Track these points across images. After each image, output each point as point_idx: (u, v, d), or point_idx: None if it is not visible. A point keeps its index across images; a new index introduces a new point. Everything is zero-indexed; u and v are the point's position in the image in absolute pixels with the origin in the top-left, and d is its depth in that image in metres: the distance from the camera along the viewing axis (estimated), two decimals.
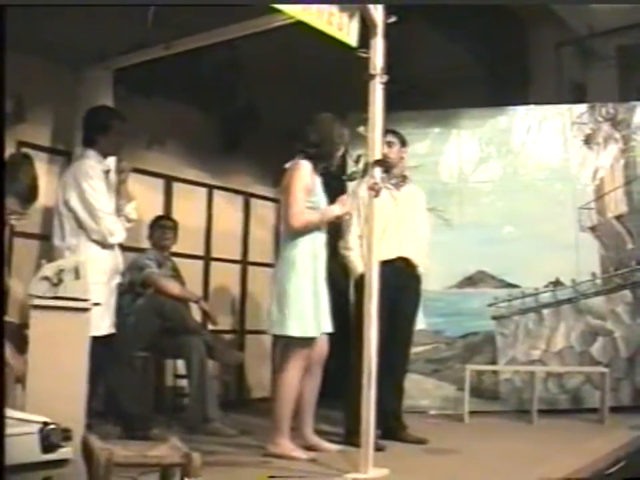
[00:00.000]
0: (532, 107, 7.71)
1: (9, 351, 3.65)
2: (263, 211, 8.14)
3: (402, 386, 5.63)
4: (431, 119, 7.51)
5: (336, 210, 4.87)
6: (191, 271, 6.94)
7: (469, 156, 7.55)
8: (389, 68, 4.41)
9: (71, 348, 3.82)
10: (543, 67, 8.66)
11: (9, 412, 2.87)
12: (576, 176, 7.41)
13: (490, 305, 7.19)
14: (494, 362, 7.13)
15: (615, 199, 7.30)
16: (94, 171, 4.80)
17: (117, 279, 4.98)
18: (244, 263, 7.95)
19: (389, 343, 5.08)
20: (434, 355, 7.17)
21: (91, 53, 5.86)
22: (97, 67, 5.85)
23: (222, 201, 7.70)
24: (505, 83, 8.32)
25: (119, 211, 4.93)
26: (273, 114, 7.23)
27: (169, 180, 7.03)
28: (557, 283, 7.14)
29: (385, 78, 4.39)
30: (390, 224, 5.28)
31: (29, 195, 3.85)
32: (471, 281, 7.24)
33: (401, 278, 5.38)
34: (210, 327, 6.70)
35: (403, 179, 5.64)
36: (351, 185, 5.44)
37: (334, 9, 4.28)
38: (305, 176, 4.81)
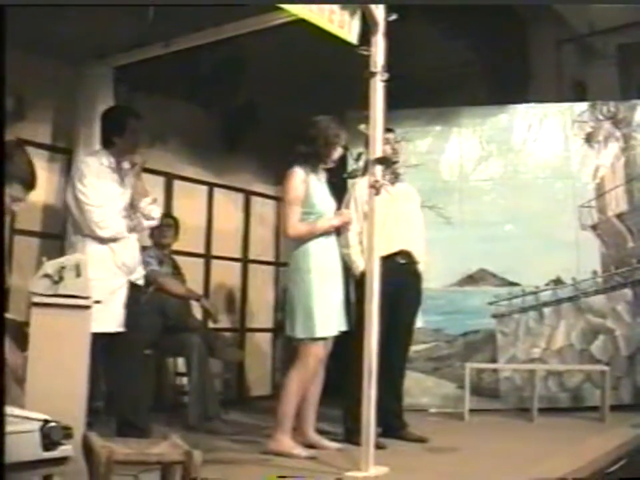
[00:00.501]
0: (533, 105, 7.71)
1: (7, 347, 3.66)
2: (264, 209, 8.14)
3: (402, 385, 5.63)
4: (431, 117, 7.52)
5: (333, 221, 4.93)
6: (192, 268, 6.94)
7: (470, 154, 7.54)
8: (389, 66, 4.41)
9: (72, 345, 3.82)
10: (543, 65, 8.65)
11: (10, 409, 2.87)
12: (577, 174, 7.41)
13: (490, 303, 7.19)
14: (494, 360, 7.12)
15: (615, 197, 7.29)
16: (89, 169, 4.73)
17: (133, 275, 4.82)
18: (244, 260, 7.95)
19: (390, 340, 5.09)
20: (434, 353, 7.17)
21: (91, 50, 5.86)
22: (98, 64, 5.85)
23: (222, 198, 7.70)
24: (505, 81, 8.31)
25: (134, 207, 4.82)
26: (273, 112, 7.23)
27: (169, 178, 7.02)
28: (557, 282, 7.14)
29: (385, 76, 4.39)
30: (388, 219, 5.28)
31: (30, 179, 3.83)
32: (472, 279, 7.24)
33: (402, 274, 5.40)
34: (210, 324, 6.71)
35: (396, 175, 5.65)
36: (351, 183, 5.44)
37: (335, 6, 4.28)
38: (296, 186, 4.88)
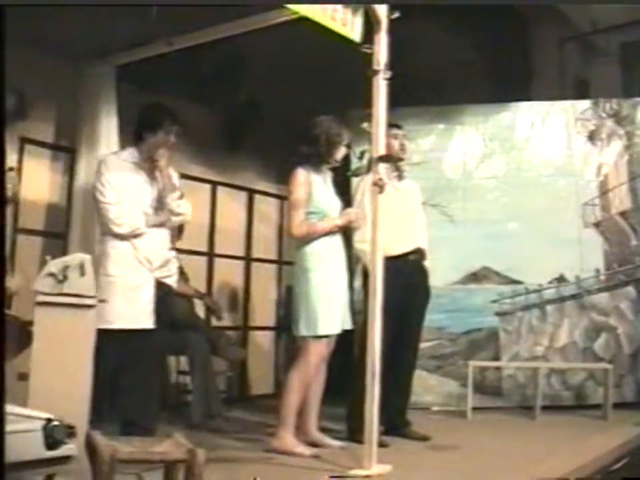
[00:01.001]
0: (535, 103, 7.70)
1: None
2: (267, 207, 8.14)
3: (409, 383, 5.64)
4: (434, 115, 7.50)
5: (337, 221, 4.92)
6: (195, 267, 6.94)
7: (473, 152, 7.53)
8: (392, 64, 4.41)
9: (76, 344, 3.83)
10: (546, 63, 8.64)
11: (13, 408, 2.87)
12: (580, 172, 7.40)
13: (493, 301, 7.18)
14: (497, 358, 7.12)
15: (619, 195, 7.28)
16: (107, 167, 4.74)
17: (160, 272, 4.79)
18: (247, 259, 7.95)
19: (400, 338, 5.11)
20: (437, 351, 7.16)
21: (93, 49, 5.85)
22: (100, 63, 5.84)
23: (225, 197, 7.70)
24: (508, 79, 8.30)
25: (160, 203, 4.81)
26: (276, 110, 7.23)
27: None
28: (560, 279, 7.13)
29: (388, 74, 4.39)
30: (397, 215, 5.29)
31: None
32: (475, 277, 7.23)
33: (414, 272, 5.42)
34: (213, 323, 6.72)
35: (401, 172, 5.65)
36: (355, 181, 5.44)
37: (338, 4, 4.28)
38: (299, 186, 4.91)
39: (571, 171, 7.40)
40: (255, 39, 5.40)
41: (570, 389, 7.03)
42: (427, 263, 5.60)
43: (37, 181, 5.92)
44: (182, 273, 6.28)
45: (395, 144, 5.51)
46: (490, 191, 7.42)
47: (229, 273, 7.75)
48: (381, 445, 4.43)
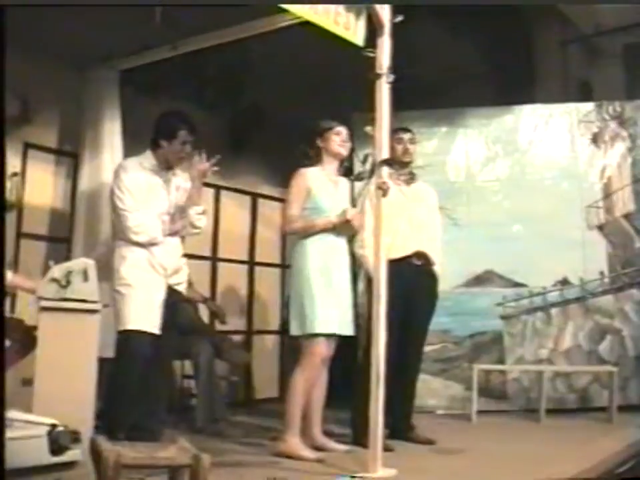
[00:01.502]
0: (538, 105, 7.70)
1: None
2: (270, 212, 8.13)
3: (414, 386, 5.63)
4: (437, 118, 7.49)
5: (333, 219, 4.90)
6: (199, 271, 6.93)
7: (476, 155, 7.53)
8: (395, 67, 4.41)
9: (80, 350, 3.83)
10: (549, 66, 8.64)
11: (18, 414, 2.87)
12: (583, 174, 7.39)
13: (498, 305, 7.17)
14: (502, 361, 7.11)
15: (622, 198, 7.27)
16: (126, 173, 4.71)
17: (173, 279, 4.82)
18: (251, 263, 7.95)
19: (404, 342, 5.10)
20: (442, 355, 7.15)
21: (96, 53, 5.86)
22: (103, 67, 5.86)
23: (229, 201, 7.70)
24: (511, 81, 8.30)
25: (181, 213, 4.81)
26: (279, 114, 7.23)
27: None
28: (564, 282, 7.12)
29: (391, 77, 4.39)
30: (401, 219, 5.30)
31: None
32: (479, 280, 7.22)
33: (417, 275, 5.41)
34: (218, 327, 6.71)
35: (412, 176, 5.65)
36: (358, 185, 5.44)
37: (340, 8, 4.27)
38: (298, 186, 4.94)
39: (574, 174, 7.39)
40: (258, 43, 5.41)
41: (575, 391, 7.02)
42: (436, 268, 5.58)
43: (40, 185, 5.92)
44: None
45: (399, 148, 5.52)
46: (493, 194, 7.42)
47: (233, 277, 7.74)
48: (386, 448, 4.42)
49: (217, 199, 7.55)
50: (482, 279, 7.23)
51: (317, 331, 4.73)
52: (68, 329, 3.82)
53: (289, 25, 4.66)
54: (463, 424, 6.42)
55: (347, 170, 5.34)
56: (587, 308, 7.10)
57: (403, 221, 5.36)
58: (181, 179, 4.92)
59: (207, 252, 7.40)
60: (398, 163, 5.51)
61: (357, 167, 6.84)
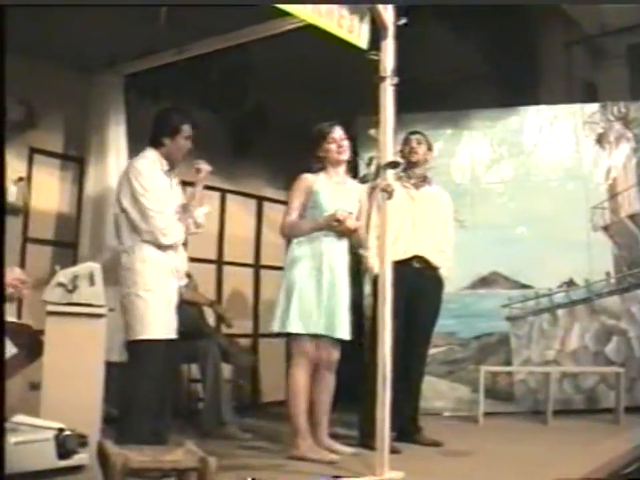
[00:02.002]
0: (543, 106, 7.70)
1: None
2: (276, 215, 8.08)
3: (419, 389, 5.63)
4: (442, 120, 7.49)
5: (324, 219, 4.88)
6: (204, 275, 6.95)
7: (481, 157, 7.54)
8: (399, 70, 4.41)
9: (87, 354, 3.84)
10: (553, 67, 8.64)
11: (25, 419, 2.88)
12: (588, 175, 7.38)
13: (504, 306, 7.17)
14: (508, 363, 7.10)
15: (628, 198, 7.27)
16: (147, 169, 4.60)
17: (182, 282, 4.79)
18: (257, 266, 7.95)
19: (407, 345, 5.10)
20: (448, 357, 7.15)
21: (102, 58, 5.88)
22: (108, 72, 5.87)
23: (234, 204, 7.71)
24: (516, 83, 8.29)
25: (186, 213, 4.75)
26: (283, 117, 7.24)
27: (181, 184, 7.02)
28: (570, 283, 7.11)
29: (395, 80, 4.39)
30: (405, 223, 5.31)
31: None
32: (485, 281, 7.23)
33: (419, 279, 5.40)
34: (224, 330, 6.72)
35: (424, 179, 5.65)
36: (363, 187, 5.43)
37: (344, 11, 4.28)
38: (299, 190, 4.98)
39: (579, 175, 7.39)
40: (263, 46, 5.42)
41: (582, 393, 7.01)
42: (442, 272, 5.58)
43: (46, 190, 5.94)
44: (191, 281, 6.29)
45: (405, 148, 5.54)
46: (498, 196, 7.43)
47: (239, 281, 7.75)
48: (393, 451, 4.41)
49: (222, 202, 7.56)
50: (488, 281, 7.23)
51: (296, 330, 4.74)
52: (74, 333, 3.83)
53: (293, 28, 4.66)
54: (469, 426, 6.41)
55: (351, 172, 5.35)
56: (593, 309, 7.09)
57: (407, 224, 5.36)
58: (176, 179, 4.89)
59: (212, 255, 7.41)
60: (407, 164, 5.53)
61: (362, 170, 6.87)
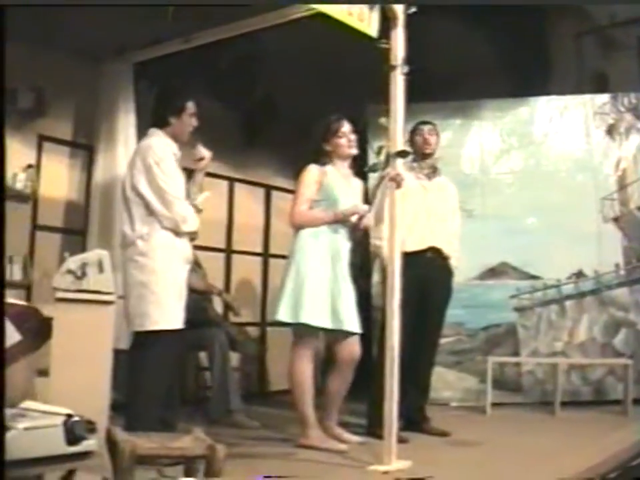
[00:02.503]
0: (553, 97, 7.68)
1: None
2: (284, 204, 8.08)
3: (429, 379, 5.63)
4: (451, 111, 7.48)
5: (345, 212, 4.89)
6: (213, 263, 6.96)
7: (491, 147, 7.52)
8: (409, 59, 4.40)
9: (95, 341, 3.84)
10: (564, 57, 8.60)
11: (33, 404, 2.89)
12: (598, 166, 7.37)
13: (512, 297, 7.17)
14: (516, 354, 7.10)
15: (638, 190, 7.24)
16: (163, 152, 4.47)
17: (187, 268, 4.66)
18: (265, 255, 7.96)
19: (417, 335, 5.10)
20: (456, 347, 7.15)
21: (111, 46, 5.88)
22: (118, 60, 5.88)
23: (243, 193, 7.72)
24: (526, 73, 8.26)
25: (191, 199, 4.58)
26: (292, 106, 7.23)
27: (190, 173, 7.01)
28: (579, 275, 7.10)
29: (406, 69, 4.38)
30: (420, 213, 5.31)
31: None
32: (493, 272, 7.22)
33: (432, 269, 5.41)
34: (232, 319, 6.73)
35: (434, 170, 5.65)
36: (372, 177, 5.42)
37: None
38: (308, 182, 4.94)
39: (589, 166, 7.37)
40: (272, 35, 5.41)
41: (590, 384, 7.01)
42: (452, 262, 5.57)
43: (55, 178, 5.95)
44: (199, 269, 6.29)
45: (418, 139, 5.53)
46: (508, 186, 7.42)
47: (247, 269, 7.76)
48: (401, 440, 4.42)
49: (230, 191, 7.57)
50: (496, 272, 7.22)
51: (310, 321, 4.71)
52: (83, 320, 3.83)
53: (303, 17, 4.65)
54: (477, 416, 6.42)
55: (360, 162, 5.34)
56: (602, 300, 7.08)
57: (422, 215, 5.36)
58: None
59: (221, 244, 7.42)
60: (419, 155, 5.52)
61: (371, 159, 6.84)
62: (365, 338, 5.04)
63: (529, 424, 6.05)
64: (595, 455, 4.62)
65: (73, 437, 2.77)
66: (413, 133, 5.57)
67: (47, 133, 5.86)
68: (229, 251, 7.52)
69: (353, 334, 4.87)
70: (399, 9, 4.41)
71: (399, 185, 4.42)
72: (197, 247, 6.38)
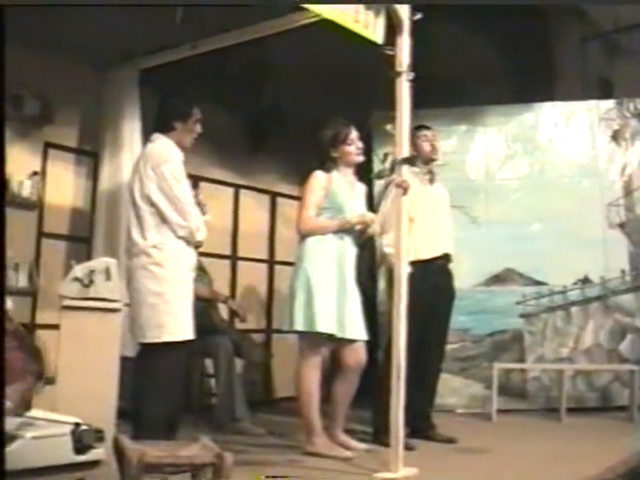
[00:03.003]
0: (558, 103, 7.68)
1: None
2: (290, 210, 8.10)
3: (435, 385, 5.62)
4: (456, 117, 7.48)
5: (353, 220, 4.87)
6: (219, 270, 6.95)
7: (496, 153, 7.52)
8: (414, 65, 4.40)
9: (102, 348, 3.84)
10: (569, 63, 8.61)
11: (42, 413, 2.88)
12: (604, 172, 7.36)
13: (518, 303, 7.16)
14: (522, 360, 7.09)
15: None
16: (173, 158, 4.44)
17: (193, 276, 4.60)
18: (271, 262, 7.95)
19: (425, 342, 5.09)
20: (461, 354, 7.14)
21: (117, 53, 5.89)
22: (123, 67, 5.88)
23: (248, 200, 7.71)
24: (530, 79, 8.26)
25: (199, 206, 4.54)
26: (298, 113, 7.23)
27: (195, 180, 7.02)
28: (585, 281, 7.10)
29: (411, 75, 4.38)
30: (427, 219, 5.29)
31: None
32: (499, 278, 7.21)
33: (440, 276, 5.42)
34: (237, 325, 6.72)
35: (432, 175, 5.65)
36: (378, 184, 5.43)
37: (360, 6, 4.26)
38: (314, 188, 4.91)
39: (595, 172, 7.37)
40: (278, 41, 5.41)
41: (595, 390, 7.00)
42: (451, 266, 5.58)
43: (61, 185, 5.96)
44: (204, 276, 6.29)
45: (425, 145, 5.51)
46: (513, 192, 7.41)
47: (253, 276, 7.75)
48: (407, 447, 4.40)
49: (236, 198, 7.56)
50: (502, 278, 7.21)
51: (323, 330, 4.68)
52: (90, 328, 3.83)
53: (309, 24, 4.65)
54: (483, 423, 6.41)
55: (366, 169, 5.34)
56: (608, 306, 7.07)
57: (430, 222, 5.35)
58: None
59: (227, 251, 7.42)
60: (425, 161, 5.52)
61: (377, 166, 6.86)
62: (370, 345, 5.03)
63: (535, 430, 6.04)
64: (602, 461, 4.61)
65: (81, 445, 2.78)
66: (416, 137, 5.54)
67: (53, 140, 5.86)
68: (234, 258, 7.52)
69: (359, 340, 4.87)
70: (404, 15, 4.41)
71: (405, 192, 4.41)
72: (202, 254, 6.37)
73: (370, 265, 6.33)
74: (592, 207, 7.19)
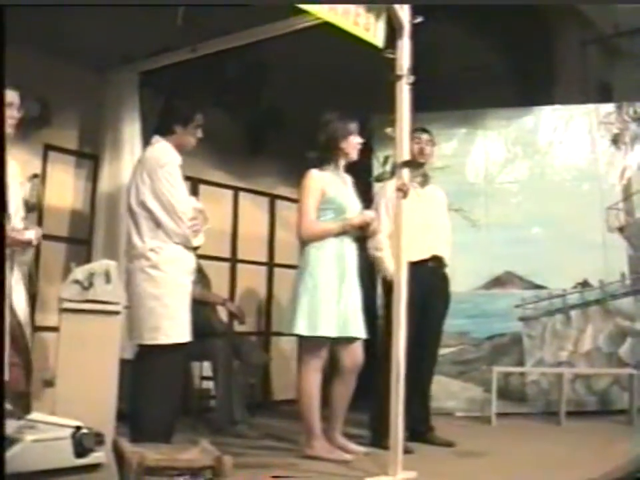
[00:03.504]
0: (558, 106, 7.69)
1: None
2: (289, 213, 8.10)
3: (429, 388, 5.61)
4: (456, 120, 7.48)
5: (355, 220, 4.87)
6: (218, 273, 6.95)
7: (496, 156, 7.53)
8: (414, 68, 4.39)
9: (102, 351, 3.84)
10: (569, 66, 8.61)
11: (42, 416, 2.88)
12: (603, 176, 7.37)
13: (517, 306, 7.16)
14: (521, 363, 7.09)
15: None
16: (169, 161, 4.46)
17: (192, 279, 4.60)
18: (270, 264, 7.95)
19: (418, 345, 5.08)
20: (460, 357, 7.14)
21: (117, 55, 5.89)
22: (123, 69, 5.88)
23: (248, 203, 7.71)
24: (530, 82, 8.28)
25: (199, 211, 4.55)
26: (297, 116, 7.23)
27: (194, 182, 7.03)
28: (584, 284, 7.10)
29: (411, 78, 4.37)
30: (419, 223, 5.28)
31: None
32: (498, 281, 7.21)
33: (432, 279, 5.40)
34: (236, 328, 6.72)
35: (426, 178, 5.64)
36: (377, 186, 5.43)
37: (360, 9, 4.26)
38: (311, 187, 4.88)
39: (594, 175, 7.37)
40: (277, 44, 5.41)
41: (595, 394, 7.00)
42: (447, 270, 5.57)
43: (60, 187, 5.96)
44: (203, 279, 6.29)
45: (415, 147, 5.47)
46: (513, 196, 7.42)
47: (252, 279, 7.75)
48: (406, 451, 4.39)
49: (235, 201, 7.56)
50: (501, 281, 7.22)
51: (326, 334, 4.68)
52: (89, 331, 3.82)
53: (309, 27, 4.65)
54: (482, 426, 6.41)
55: (365, 171, 5.34)
56: (607, 310, 7.08)
57: (420, 224, 5.33)
58: None
59: (226, 253, 7.41)
60: (414, 164, 5.50)
61: (377, 169, 6.86)
62: (368, 347, 5.02)
63: (534, 434, 6.03)
64: (601, 465, 4.60)
65: (81, 449, 2.77)
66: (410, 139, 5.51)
67: (53, 142, 5.86)
68: (233, 260, 7.52)
69: (357, 339, 4.87)
70: (404, 18, 4.41)
71: (405, 195, 4.40)
72: (201, 257, 6.38)
73: (369, 269, 6.33)
74: (591, 211, 7.19)
